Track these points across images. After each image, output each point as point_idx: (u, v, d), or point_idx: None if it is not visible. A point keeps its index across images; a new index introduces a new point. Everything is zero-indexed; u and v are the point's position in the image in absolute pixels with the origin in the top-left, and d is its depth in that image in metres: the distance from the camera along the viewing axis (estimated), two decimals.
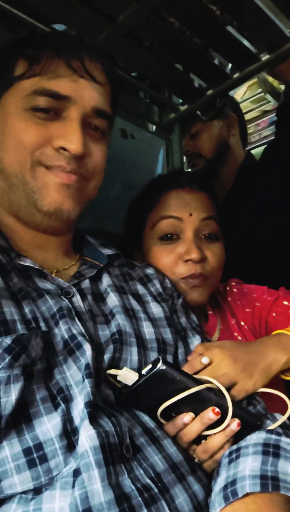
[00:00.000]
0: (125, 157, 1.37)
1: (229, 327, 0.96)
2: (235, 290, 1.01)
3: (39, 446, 0.49)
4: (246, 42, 1.15)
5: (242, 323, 0.95)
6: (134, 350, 0.64)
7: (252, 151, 1.78)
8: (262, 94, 2.36)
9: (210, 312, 0.98)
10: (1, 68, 0.68)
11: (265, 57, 1.17)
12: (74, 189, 0.66)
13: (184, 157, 1.60)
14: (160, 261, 0.87)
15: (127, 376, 0.58)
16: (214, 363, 0.67)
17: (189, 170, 1.59)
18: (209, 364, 0.67)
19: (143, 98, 1.48)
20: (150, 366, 0.58)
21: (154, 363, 0.57)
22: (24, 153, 0.63)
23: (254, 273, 1.10)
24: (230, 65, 1.32)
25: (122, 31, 1.06)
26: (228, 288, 1.02)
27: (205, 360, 0.67)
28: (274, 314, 0.92)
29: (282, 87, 2.27)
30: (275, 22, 1.06)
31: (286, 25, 1.09)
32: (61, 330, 0.58)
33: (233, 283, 1.03)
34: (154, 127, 1.49)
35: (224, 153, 1.51)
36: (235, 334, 0.94)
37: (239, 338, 0.93)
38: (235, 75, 1.24)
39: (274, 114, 2.46)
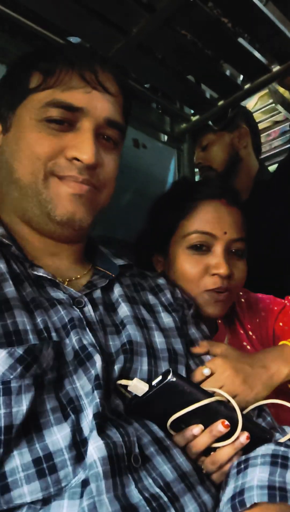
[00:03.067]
0: (137, 166, 1.38)
1: (238, 337, 0.96)
2: (242, 300, 1.01)
3: (48, 457, 0.49)
4: (257, 54, 1.16)
5: (250, 333, 0.95)
6: (145, 360, 0.64)
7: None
8: (273, 104, 2.37)
9: (220, 322, 0.98)
10: (16, 80, 0.70)
11: (276, 68, 1.18)
12: (86, 199, 0.67)
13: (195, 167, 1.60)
14: (187, 270, 0.87)
15: (138, 387, 0.58)
16: (215, 374, 0.68)
17: None
18: (210, 375, 0.67)
19: (155, 109, 1.49)
20: (160, 377, 0.58)
21: (165, 375, 0.57)
22: (37, 163, 0.64)
23: (266, 285, 1.09)
24: (241, 76, 1.33)
25: (135, 43, 1.07)
26: (236, 298, 1.02)
27: (206, 371, 0.68)
28: (281, 324, 0.91)
29: None
30: (285, 34, 1.07)
31: None
32: (72, 341, 0.58)
33: (241, 293, 1.02)
34: (165, 137, 1.50)
35: (235, 165, 1.51)
36: (244, 343, 0.94)
37: (248, 347, 0.93)
38: (246, 86, 1.25)
39: (285, 124, 2.47)
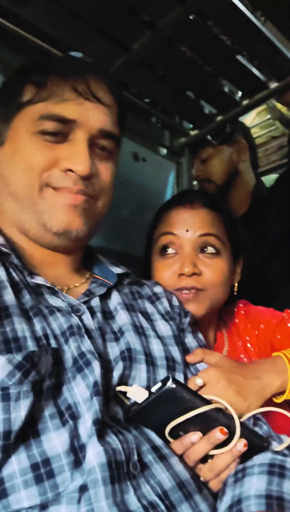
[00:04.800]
0: (137, 179, 1.40)
1: (236, 349, 0.96)
2: (242, 312, 1.02)
3: (46, 462, 0.49)
4: (255, 71, 1.18)
5: (249, 345, 0.96)
6: (143, 367, 0.64)
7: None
8: (271, 120, 2.41)
9: (218, 333, 0.98)
10: (10, 94, 0.70)
11: (273, 85, 1.21)
12: (81, 209, 0.67)
13: (194, 180, 1.62)
14: (158, 274, 0.90)
15: (137, 393, 0.58)
16: (209, 385, 0.68)
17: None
18: (203, 385, 0.68)
19: (155, 123, 1.52)
20: (159, 384, 0.58)
21: (164, 381, 0.58)
22: (32, 175, 0.65)
23: (265, 298, 1.10)
24: (239, 92, 1.35)
25: (136, 60, 1.10)
26: (236, 309, 1.03)
27: (199, 381, 0.68)
28: (278, 337, 0.92)
29: None
30: (283, 52, 1.10)
31: None
32: (71, 347, 0.59)
33: (241, 305, 1.03)
34: (165, 151, 1.53)
35: (234, 179, 1.53)
36: (242, 355, 0.95)
37: (245, 360, 0.93)
38: (244, 102, 1.28)
39: (282, 140, 2.50)
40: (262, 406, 0.70)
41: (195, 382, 0.68)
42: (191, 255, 0.88)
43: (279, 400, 0.73)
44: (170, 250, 0.91)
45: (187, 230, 0.89)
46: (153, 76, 1.20)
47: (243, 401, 0.68)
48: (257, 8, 1.05)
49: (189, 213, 0.92)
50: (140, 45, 1.05)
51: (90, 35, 1.03)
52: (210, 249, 0.90)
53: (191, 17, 0.98)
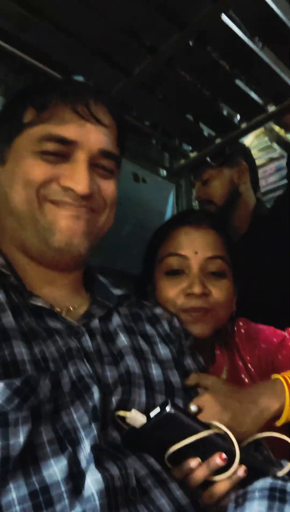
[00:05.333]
0: (137, 200, 1.41)
1: (236, 369, 0.95)
2: (242, 330, 1.01)
3: (45, 490, 0.48)
4: (253, 94, 1.21)
5: (250, 366, 0.95)
6: (143, 392, 0.63)
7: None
8: (269, 142, 2.45)
9: (218, 352, 0.97)
10: (12, 115, 0.71)
11: (271, 108, 1.23)
12: (84, 221, 0.67)
13: (193, 200, 1.64)
14: (164, 293, 0.89)
15: (136, 418, 0.57)
16: (203, 411, 0.66)
17: None
18: (199, 411, 0.66)
19: (155, 145, 1.54)
20: (158, 409, 0.57)
21: (163, 406, 0.57)
22: (30, 190, 0.65)
23: (266, 316, 1.10)
24: (238, 115, 1.38)
25: (137, 83, 1.12)
26: (236, 328, 1.02)
27: (193, 408, 0.66)
28: (280, 357, 0.91)
29: (289, 136, 2.34)
30: (281, 76, 1.12)
31: None
32: (70, 371, 0.58)
33: (241, 323, 1.02)
34: (165, 172, 1.54)
35: (235, 200, 1.54)
36: (242, 376, 0.93)
37: (246, 380, 0.92)
38: (243, 125, 1.30)
39: (280, 161, 2.53)
40: (264, 429, 0.69)
41: (190, 409, 0.67)
42: (199, 275, 0.88)
43: (279, 423, 0.71)
44: (177, 270, 0.90)
45: (196, 252, 0.89)
46: (153, 99, 1.22)
47: (240, 427, 0.66)
48: (255, 34, 1.08)
49: (197, 233, 0.92)
50: (141, 68, 1.07)
51: (92, 58, 1.05)
52: (218, 271, 0.90)
53: (190, 42, 1.00)
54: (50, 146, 0.66)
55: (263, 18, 0.95)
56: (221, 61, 1.13)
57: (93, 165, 0.69)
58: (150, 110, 1.28)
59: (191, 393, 0.73)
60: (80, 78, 1.20)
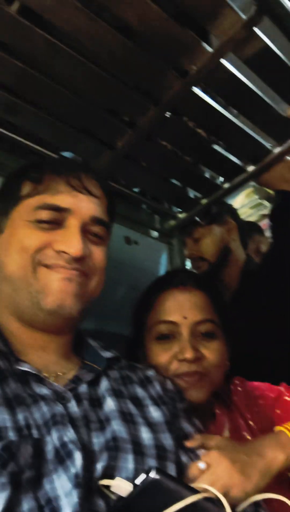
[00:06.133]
0: (130, 262, 1.44)
1: (238, 427, 0.93)
2: (239, 389, 0.99)
3: None
4: (232, 157, 1.27)
5: (251, 423, 0.92)
6: (130, 457, 0.61)
7: None
8: (259, 200, 2.53)
9: (218, 412, 0.95)
10: (10, 190, 0.77)
11: (251, 169, 1.29)
12: (76, 283, 0.69)
13: (186, 259, 1.67)
14: (156, 359, 0.89)
15: (121, 486, 0.55)
16: (211, 468, 0.65)
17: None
18: (207, 468, 0.65)
19: (145, 209, 1.60)
20: (144, 475, 0.55)
21: (148, 472, 0.55)
22: (25, 256, 0.69)
23: (259, 371, 1.08)
24: (220, 177, 1.44)
25: (121, 155, 1.19)
26: (232, 387, 1.00)
27: (202, 465, 0.65)
28: (278, 411, 0.89)
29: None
30: (255, 138, 1.19)
31: (266, 139, 1.21)
32: (53, 438, 0.57)
33: (237, 382, 1.01)
34: (156, 233, 1.59)
35: (226, 257, 1.58)
36: (244, 433, 0.91)
37: (249, 437, 0.90)
38: (226, 186, 1.35)
39: None
40: (271, 485, 0.67)
41: (198, 467, 0.66)
42: (190, 340, 0.88)
43: None
44: (167, 335, 0.90)
45: (185, 317, 0.90)
46: (138, 168, 1.29)
47: (249, 481, 0.64)
48: (229, 103, 1.16)
49: (184, 296, 0.93)
50: (123, 142, 1.15)
51: (77, 136, 1.13)
52: (208, 332, 0.91)
53: (167, 115, 1.08)
54: (45, 214, 0.71)
55: (234, 87, 1.02)
56: (198, 129, 1.21)
57: (85, 232, 0.73)
58: (136, 178, 1.35)
59: (190, 455, 0.71)
60: (68, 155, 1.28)
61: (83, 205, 0.73)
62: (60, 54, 0.90)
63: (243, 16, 0.86)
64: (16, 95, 1.00)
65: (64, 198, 0.72)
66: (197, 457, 0.70)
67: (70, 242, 0.69)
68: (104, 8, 0.84)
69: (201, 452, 0.72)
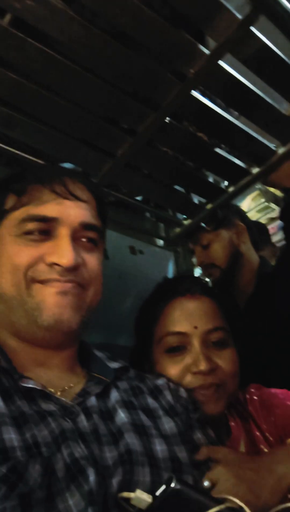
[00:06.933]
0: (136, 272, 1.42)
1: (254, 439, 0.89)
2: (255, 397, 0.96)
3: None
4: (235, 160, 1.25)
5: (267, 434, 0.89)
6: (147, 470, 0.60)
7: None
8: (266, 203, 2.51)
9: (233, 424, 0.92)
10: None
11: (255, 170, 1.26)
12: (72, 296, 0.67)
13: (193, 266, 1.64)
14: (166, 373, 0.85)
15: (140, 499, 0.53)
16: (218, 485, 0.62)
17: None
18: (213, 486, 0.62)
19: (149, 217, 1.58)
20: (164, 486, 0.54)
21: (168, 483, 0.53)
22: (18, 274, 0.67)
23: (276, 378, 1.05)
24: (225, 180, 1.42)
25: (121, 164, 1.17)
26: (248, 396, 0.97)
27: (206, 483, 0.62)
28: None
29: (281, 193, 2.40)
30: (259, 140, 1.16)
31: (270, 140, 1.19)
32: (63, 455, 0.55)
33: (253, 390, 0.97)
34: (161, 242, 1.56)
35: (237, 261, 1.55)
36: (261, 446, 0.87)
37: (266, 450, 0.86)
38: (230, 189, 1.33)
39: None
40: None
41: (202, 485, 0.63)
42: (203, 350, 0.85)
43: None
44: (178, 346, 0.87)
45: (196, 327, 0.86)
46: (140, 176, 1.27)
47: (257, 499, 0.61)
48: (230, 105, 1.14)
49: (192, 304, 0.90)
50: (123, 150, 1.13)
51: (76, 147, 1.12)
52: (220, 341, 0.87)
53: (166, 120, 1.06)
54: (32, 226, 0.68)
55: (233, 89, 1.00)
56: (198, 133, 1.19)
57: (76, 239, 0.71)
58: (138, 186, 1.33)
59: (203, 468, 0.68)
60: (70, 165, 1.27)
61: (71, 212, 0.71)
62: (55, 64, 0.89)
63: (239, 16, 0.84)
64: (13, 108, 0.98)
65: (50, 207, 0.70)
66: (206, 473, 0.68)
67: (61, 252, 0.67)
68: (97, 15, 0.83)
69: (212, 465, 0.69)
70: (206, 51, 0.90)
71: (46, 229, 0.69)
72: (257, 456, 0.72)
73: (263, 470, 0.66)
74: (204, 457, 0.69)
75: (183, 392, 0.80)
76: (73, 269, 0.68)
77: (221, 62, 0.94)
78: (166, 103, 1.01)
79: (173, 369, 0.85)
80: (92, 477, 0.53)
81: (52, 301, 0.66)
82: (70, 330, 0.67)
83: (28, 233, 0.69)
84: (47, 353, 0.70)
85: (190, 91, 1.00)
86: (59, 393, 0.66)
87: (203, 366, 0.82)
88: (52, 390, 0.66)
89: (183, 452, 0.67)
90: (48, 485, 0.51)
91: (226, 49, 0.90)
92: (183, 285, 0.94)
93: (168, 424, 0.70)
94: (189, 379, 0.83)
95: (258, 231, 1.74)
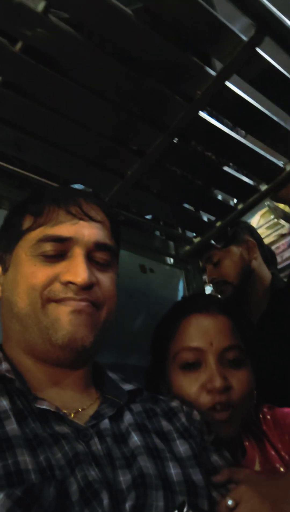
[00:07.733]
0: (147, 291, 1.42)
1: (269, 459, 0.87)
2: (268, 417, 0.94)
3: None
4: (244, 178, 1.25)
5: (283, 453, 0.87)
6: (160, 494, 0.59)
7: None
8: (275, 220, 2.51)
9: (247, 444, 0.90)
10: (12, 225, 0.77)
11: (264, 187, 1.27)
12: (86, 315, 0.68)
13: (204, 284, 1.64)
14: (183, 391, 0.84)
15: None
16: (241, 505, 0.61)
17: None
18: (236, 506, 0.61)
19: (159, 236, 1.59)
20: (176, 511, 0.53)
21: (180, 508, 0.53)
22: (34, 294, 0.67)
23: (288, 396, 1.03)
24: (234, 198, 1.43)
25: (131, 184, 1.18)
26: (261, 416, 0.95)
27: (230, 502, 0.61)
28: None
29: None
30: (266, 157, 1.17)
31: (277, 157, 1.20)
32: (77, 478, 0.55)
33: (265, 409, 0.96)
34: (172, 260, 1.57)
35: (249, 277, 1.54)
36: (277, 465, 0.86)
37: (282, 469, 0.85)
38: (239, 207, 1.33)
39: None
40: None
41: (226, 504, 0.62)
42: (218, 368, 0.84)
43: None
44: (193, 363, 0.86)
45: (211, 343, 0.86)
46: (149, 195, 1.28)
47: None
48: (237, 124, 1.16)
49: (208, 321, 0.89)
50: (132, 170, 1.14)
51: (86, 168, 1.13)
52: (235, 361, 0.87)
53: (174, 141, 1.08)
54: (48, 247, 0.70)
55: (240, 109, 1.02)
56: (206, 153, 1.20)
57: (91, 259, 0.72)
58: (148, 205, 1.34)
59: (221, 490, 0.67)
60: (80, 187, 1.29)
61: (85, 232, 0.72)
62: (65, 89, 0.91)
63: (244, 38, 0.86)
64: (24, 131, 1.01)
65: (65, 227, 0.71)
66: (228, 492, 0.67)
67: (76, 271, 0.68)
68: (105, 40, 0.85)
69: (231, 487, 0.68)
70: (213, 73, 0.92)
71: (61, 250, 0.71)
72: (280, 475, 0.71)
73: (286, 487, 0.65)
74: (225, 478, 0.68)
75: (196, 415, 0.79)
76: (88, 288, 0.69)
77: (227, 83, 0.95)
78: (174, 124, 1.02)
79: (190, 387, 0.84)
80: (106, 500, 0.53)
81: (66, 320, 0.66)
82: (84, 349, 0.67)
83: (44, 254, 0.70)
84: (61, 372, 0.70)
85: (198, 112, 1.01)
86: (72, 415, 0.66)
87: (218, 383, 0.81)
88: (66, 411, 0.65)
89: (198, 475, 0.65)
90: (62, 508, 0.51)
91: (232, 71, 0.92)
92: (199, 302, 0.95)
93: (182, 447, 0.70)
94: (205, 398, 0.82)
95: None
